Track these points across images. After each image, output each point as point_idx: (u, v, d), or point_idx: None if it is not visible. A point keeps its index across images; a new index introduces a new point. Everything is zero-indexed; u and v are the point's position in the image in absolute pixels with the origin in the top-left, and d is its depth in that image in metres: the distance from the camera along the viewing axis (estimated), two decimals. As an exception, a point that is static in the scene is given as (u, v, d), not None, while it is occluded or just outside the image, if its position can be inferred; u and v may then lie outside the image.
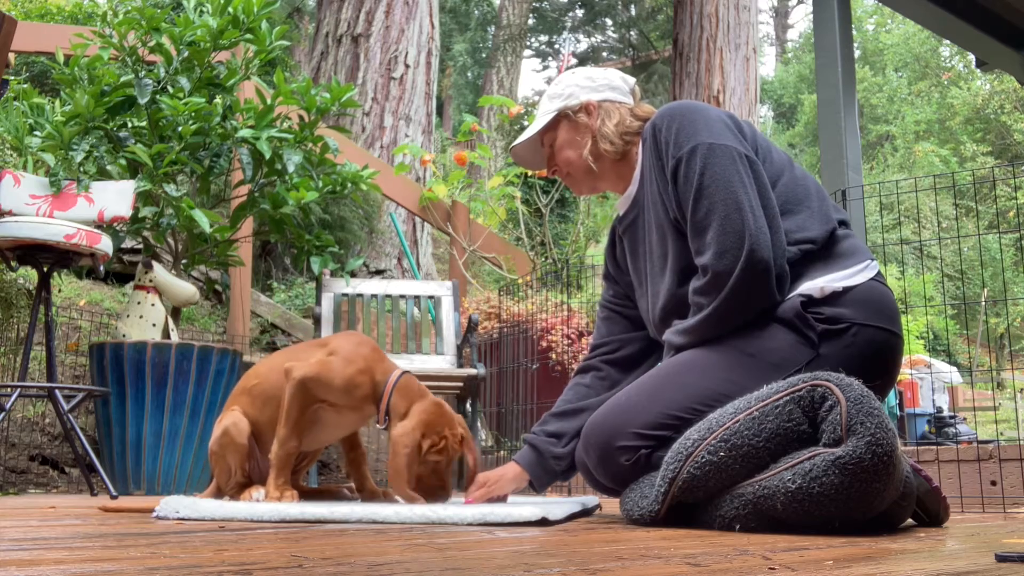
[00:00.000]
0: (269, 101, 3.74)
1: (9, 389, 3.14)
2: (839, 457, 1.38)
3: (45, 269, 3.14)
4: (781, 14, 28.24)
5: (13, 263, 3.08)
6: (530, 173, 4.87)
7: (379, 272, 7.03)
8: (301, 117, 3.86)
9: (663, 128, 1.82)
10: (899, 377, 2.90)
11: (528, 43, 21.84)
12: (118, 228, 3.54)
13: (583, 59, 21.95)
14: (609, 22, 22.70)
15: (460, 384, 3.72)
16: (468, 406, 3.78)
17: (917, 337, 4.99)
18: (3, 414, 2.99)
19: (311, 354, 1.97)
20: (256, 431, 2.02)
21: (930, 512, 1.69)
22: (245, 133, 3.63)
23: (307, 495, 2.18)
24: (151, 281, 3.58)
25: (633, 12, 21.14)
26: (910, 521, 1.69)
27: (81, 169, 3.48)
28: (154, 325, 3.52)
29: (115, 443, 3.38)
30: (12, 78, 5.07)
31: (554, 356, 3.87)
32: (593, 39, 23.29)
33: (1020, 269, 12.27)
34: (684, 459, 1.54)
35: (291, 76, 7.79)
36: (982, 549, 1.19)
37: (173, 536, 1.31)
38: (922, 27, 9.15)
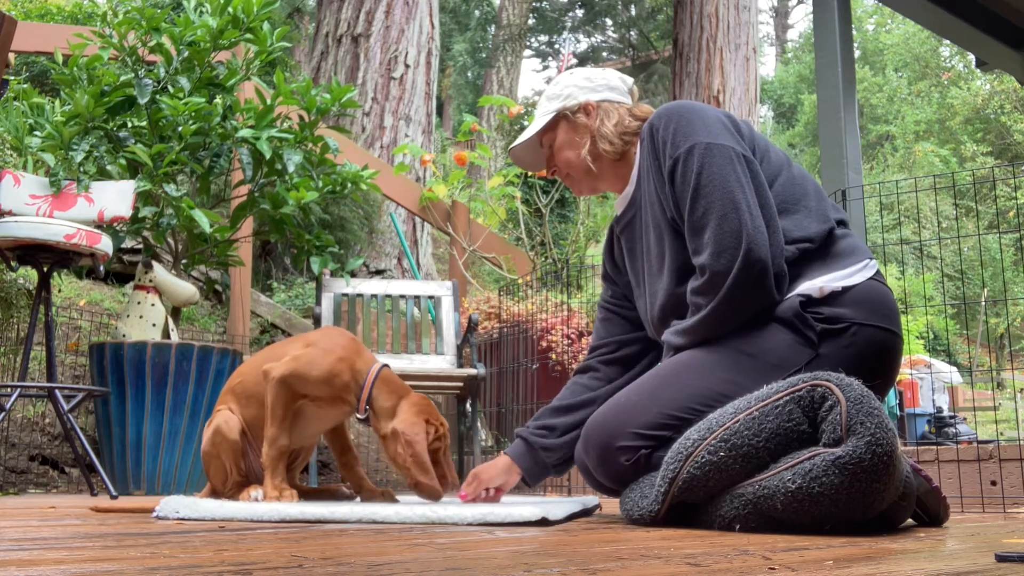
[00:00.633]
0: (269, 101, 3.74)
1: (9, 389, 3.14)
2: (839, 457, 1.38)
3: (45, 269, 3.14)
4: (781, 14, 28.24)
5: (13, 263, 3.08)
6: (530, 173, 4.87)
7: (379, 272, 7.03)
8: (301, 117, 3.86)
9: (660, 128, 1.82)
10: (899, 377, 2.91)
11: (528, 43, 21.84)
12: (118, 228, 3.54)
13: (583, 59, 21.95)
14: (609, 22, 22.69)
15: (460, 384, 3.72)
16: (468, 406, 3.78)
17: (917, 337, 4.99)
18: (3, 414, 2.99)
19: (290, 350, 1.97)
20: (247, 430, 2.01)
21: (930, 512, 1.69)
22: (245, 133, 3.63)
23: (307, 495, 2.18)
24: (151, 281, 3.58)
25: (633, 12, 21.13)
26: (910, 521, 1.69)
27: (81, 169, 3.48)
28: (154, 325, 3.52)
29: (115, 443, 3.38)
30: (12, 78, 5.07)
31: (554, 356, 3.87)
32: (593, 39, 23.29)
33: (1020, 269, 12.28)
34: (684, 459, 1.54)
35: (291, 76, 7.79)
36: (982, 549, 1.19)
37: (173, 536, 1.31)
38: (922, 27, 9.15)
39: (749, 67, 9.09)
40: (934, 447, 2.71)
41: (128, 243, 4.02)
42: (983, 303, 9.86)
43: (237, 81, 3.78)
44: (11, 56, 3.51)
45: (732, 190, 1.69)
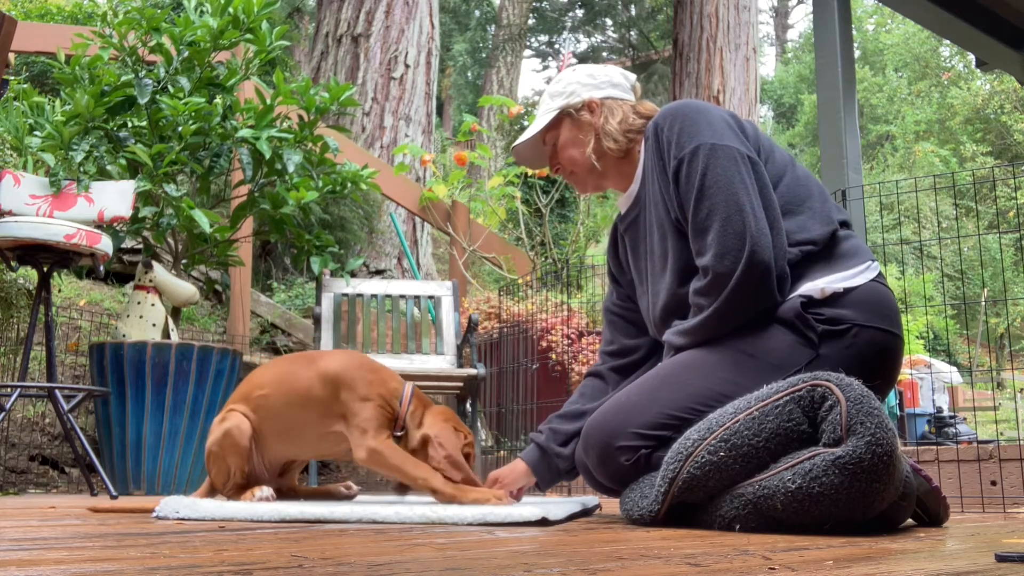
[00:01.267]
0: (269, 101, 3.74)
1: (9, 389, 3.14)
2: (839, 457, 1.38)
3: (45, 269, 3.14)
4: (781, 14, 28.24)
5: (13, 263, 3.08)
6: (530, 173, 4.88)
7: (379, 272, 7.02)
8: (301, 117, 3.86)
9: (665, 128, 1.81)
10: (899, 377, 2.90)
11: (528, 43, 21.84)
12: (118, 228, 3.54)
13: (583, 59, 21.93)
14: (609, 22, 22.69)
15: (460, 384, 3.72)
16: (468, 406, 3.78)
17: (917, 337, 4.99)
18: (3, 414, 2.98)
19: (348, 401, 1.95)
20: (255, 437, 2.01)
21: (930, 512, 1.69)
22: (245, 133, 3.63)
23: (307, 495, 2.18)
24: (151, 281, 3.58)
25: (633, 12, 21.13)
26: (910, 521, 1.69)
27: (81, 169, 3.48)
28: (154, 325, 3.52)
29: (115, 443, 3.38)
30: (12, 78, 5.07)
31: (554, 356, 3.87)
32: (593, 39, 23.29)
33: (1020, 269, 12.27)
34: (684, 459, 1.54)
35: (291, 76, 7.79)
36: (982, 549, 1.19)
37: (173, 536, 1.31)
38: (922, 27, 9.15)
39: (749, 67, 9.09)
40: (934, 447, 2.71)
41: (128, 243, 4.02)
42: (983, 303, 9.86)
43: (237, 81, 3.78)
44: (11, 56, 3.51)
45: (736, 192, 1.69)
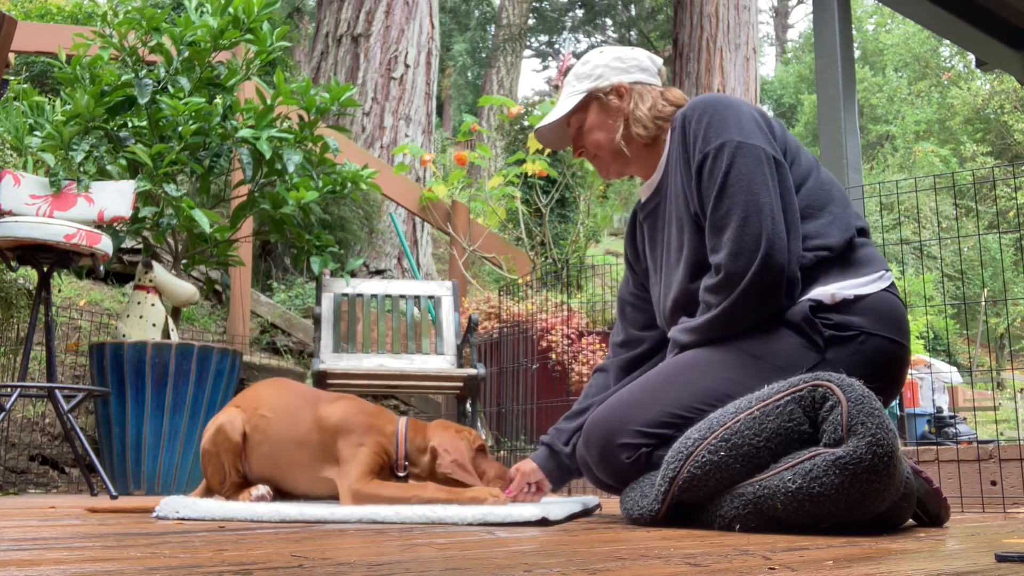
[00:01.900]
0: (269, 101, 3.74)
1: (9, 389, 3.14)
2: (840, 457, 1.38)
3: (45, 269, 3.14)
4: (781, 14, 28.24)
5: (13, 263, 3.08)
6: (530, 172, 4.87)
7: (379, 272, 7.03)
8: (301, 117, 3.86)
9: (693, 120, 1.79)
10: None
11: (528, 43, 21.84)
12: (118, 228, 3.54)
13: (583, 59, 21.91)
14: (609, 22, 22.70)
15: (460, 384, 3.72)
16: (468, 406, 3.78)
17: (917, 337, 4.99)
18: (3, 414, 2.98)
19: (341, 448, 1.93)
20: (247, 432, 2.00)
21: (930, 513, 1.69)
22: (245, 133, 3.63)
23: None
24: (151, 281, 3.58)
25: (633, 12, 21.14)
26: (910, 521, 1.69)
27: (81, 169, 3.48)
28: (154, 325, 3.52)
29: (115, 443, 3.38)
30: (12, 78, 5.07)
31: (554, 356, 3.87)
32: (593, 39, 23.30)
33: (1020, 269, 12.27)
34: (685, 458, 1.54)
35: (291, 76, 7.79)
36: (982, 549, 1.19)
37: (173, 536, 1.31)
38: (922, 27, 9.15)
39: (749, 67, 9.09)
40: (934, 447, 2.71)
41: (128, 243, 4.02)
42: (983, 303, 9.86)
43: (237, 81, 3.78)
44: (11, 56, 3.51)
45: (758, 192, 1.68)
